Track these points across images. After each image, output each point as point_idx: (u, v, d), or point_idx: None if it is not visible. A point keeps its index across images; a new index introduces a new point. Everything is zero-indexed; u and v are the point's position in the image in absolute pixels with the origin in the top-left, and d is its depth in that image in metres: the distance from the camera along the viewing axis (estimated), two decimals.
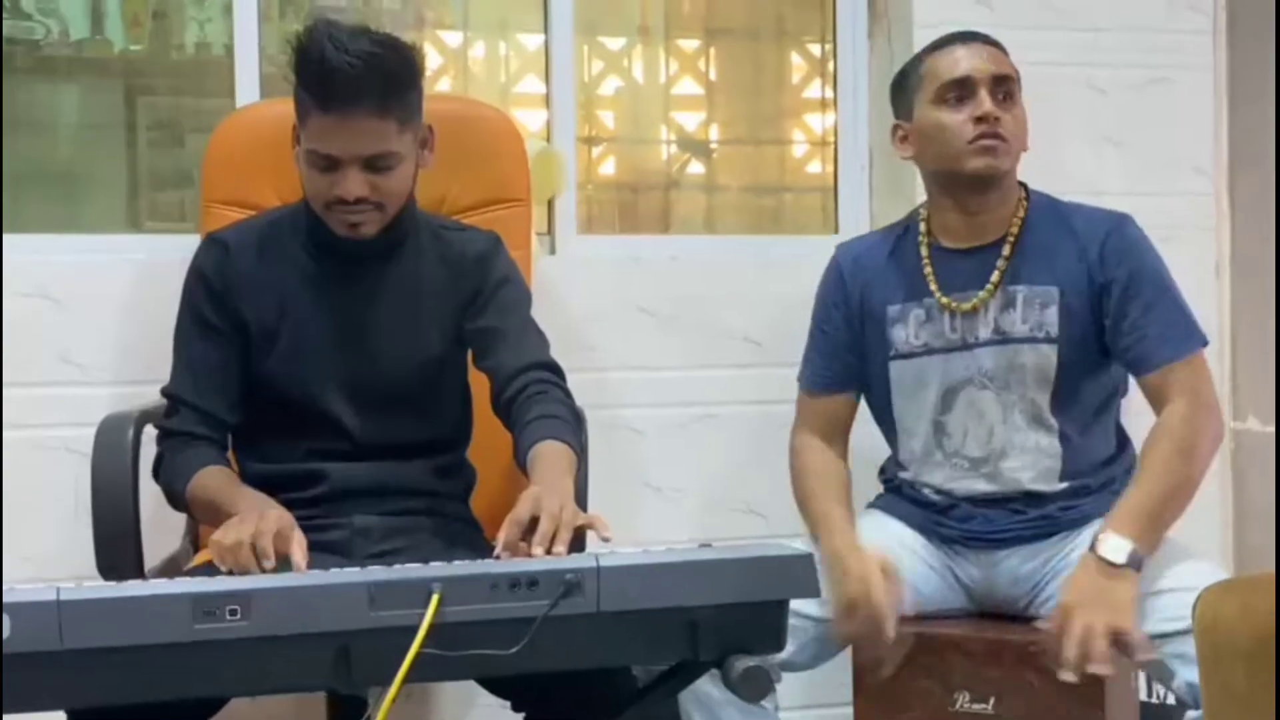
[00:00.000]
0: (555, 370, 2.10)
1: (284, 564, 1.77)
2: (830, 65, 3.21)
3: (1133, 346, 2.22)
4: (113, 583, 1.53)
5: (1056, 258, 2.26)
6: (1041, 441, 2.26)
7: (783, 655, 1.73)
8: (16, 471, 2.53)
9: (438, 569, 1.52)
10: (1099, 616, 2.01)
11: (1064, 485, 2.27)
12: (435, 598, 1.46)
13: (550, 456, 1.91)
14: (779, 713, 2.23)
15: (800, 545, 1.87)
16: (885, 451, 2.46)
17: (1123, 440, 2.37)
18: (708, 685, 2.08)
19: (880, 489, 2.46)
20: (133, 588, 1.48)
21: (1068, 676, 2.01)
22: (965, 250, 2.30)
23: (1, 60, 2.81)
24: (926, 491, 2.34)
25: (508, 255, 2.21)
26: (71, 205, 2.91)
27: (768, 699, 2.16)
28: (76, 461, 2.29)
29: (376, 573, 1.52)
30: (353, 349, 2.11)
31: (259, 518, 1.82)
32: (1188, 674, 2.00)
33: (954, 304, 2.28)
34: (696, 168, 3.56)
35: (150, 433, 2.15)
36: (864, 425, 2.45)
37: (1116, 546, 2.05)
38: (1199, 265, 3.03)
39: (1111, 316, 2.23)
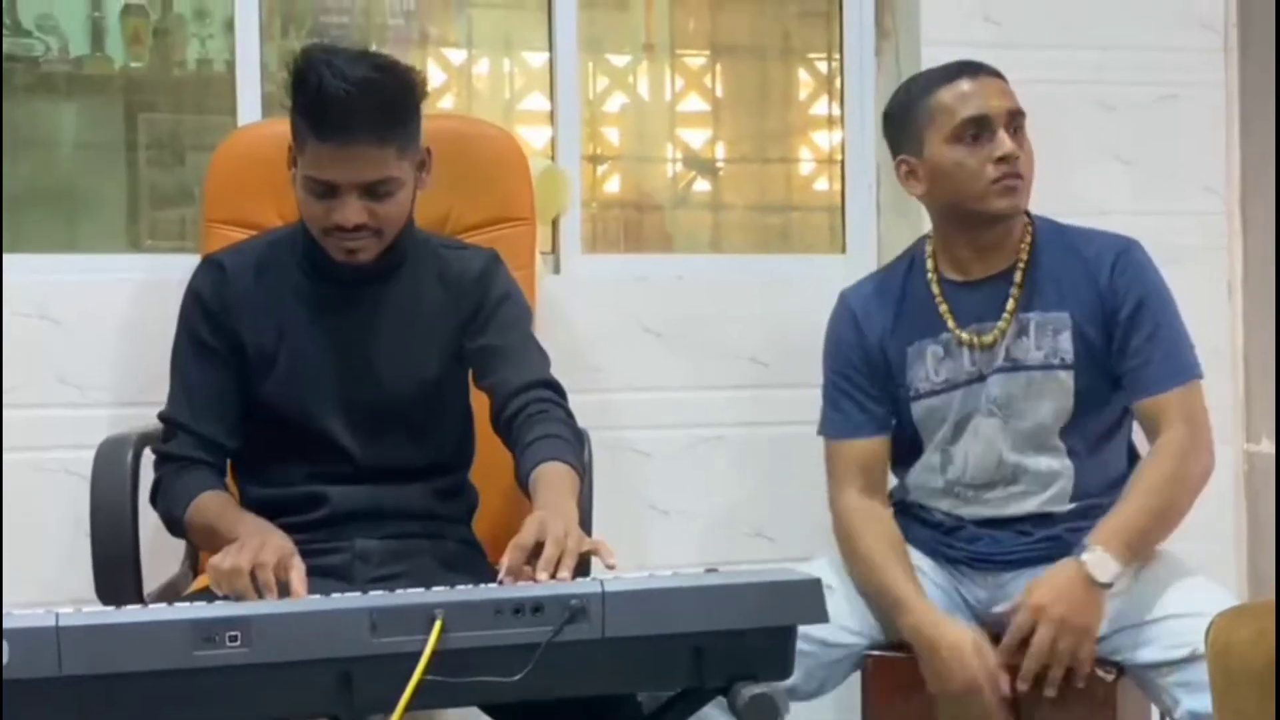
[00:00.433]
0: (556, 389, 2.10)
1: (282, 591, 1.77)
2: (837, 82, 3.21)
3: (1132, 372, 2.23)
4: (112, 608, 1.53)
5: (1066, 283, 2.27)
6: (1053, 465, 2.26)
7: (790, 682, 1.73)
8: (15, 494, 2.53)
9: (440, 594, 1.53)
10: (1066, 637, 2.04)
11: (1073, 505, 2.26)
12: (438, 623, 1.46)
13: (553, 479, 1.91)
14: None
15: (808, 569, 1.86)
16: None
17: (1134, 461, 2.36)
18: (714, 713, 2.07)
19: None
20: (132, 613, 1.49)
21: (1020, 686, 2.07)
22: (977, 282, 2.30)
23: (1, 78, 2.82)
24: (934, 513, 2.34)
25: (507, 272, 2.21)
26: (71, 224, 2.92)
27: None
28: (75, 484, 2.29)
29: (378, 598, 1.52)
30: (352, 371, 2.11)
31: (259, 546, 1.82)
32: (1192, 702, 2.00)
33: (973, 338, 2.28)
34: (702, 186, 3.57)
35: (150, 456, 2.15)
36: None
37: (1106, 565, 2.07)
38: (1210, 285, 3.03)
39: (1117, 342, 2.24)
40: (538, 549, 1.69)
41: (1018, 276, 2.28)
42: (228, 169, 2.49)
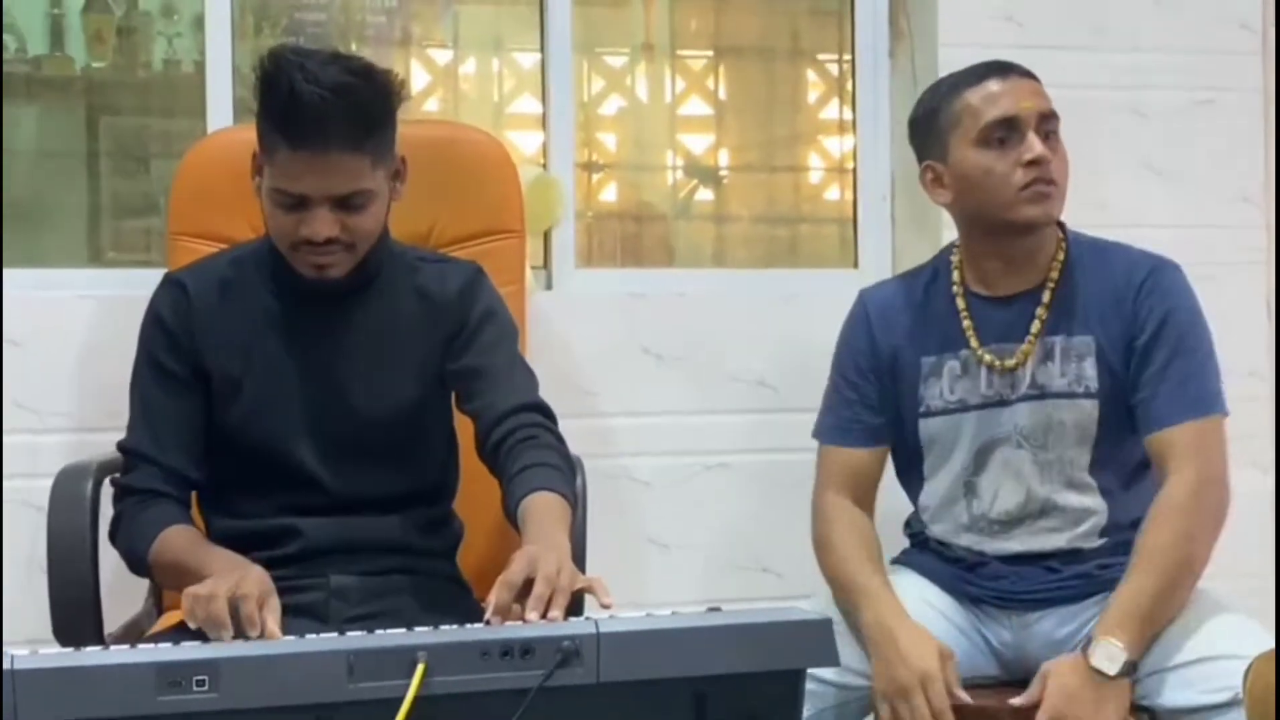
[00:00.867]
0: (546, 412, 2.11)
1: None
2: (849, 85, 3.22)
3: (1143, 402, 2.23)
4: (70, 649, 1.53)
5: (1093, 306, 2.27)
6: (1085, 501, 2.26)
7: None
8: None
9: (423, 635, 1.52)
10: None
11: (1103, 541, 2.27)
12: (420, 667, 1.46)
13: (544, 510, 1.91)
14: None
15: (816, 607, 1.87)
16: (909, 503, 2.45)
17: None
18: None
19: (905, 543, 2.46)
20: (92, 655, 1.48)
21: None
22: (1003, 299, 2.31)
23: None
24: (955, 549, 2.34)
25: (491, 287, 2.22)
26: (28, 236, 2.92)
27: None
28: (31, 516, 2.30)
29: (356, 639, 1.52)
30: (324, 396, 2.12)
31: (239, 578, 1.82)
32: None
33: (995, 360, 2.28)
34: (705, 195, 3.58)
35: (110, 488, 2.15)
36: (887, 474, 2.44)
37: (1111, 656, 2.06)
38: (1248, 302, 3.04)
39: (1134, 368, 2.24)
40: (527, 586, 1.69)
41: (1046, 296, 2.28)
42: (196, 177, 2.50)
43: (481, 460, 2.10)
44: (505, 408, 2.08)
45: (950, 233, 2.42)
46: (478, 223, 2.48)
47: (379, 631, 1.56)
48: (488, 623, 1.67)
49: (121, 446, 2.13)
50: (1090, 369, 2.25)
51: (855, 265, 3.15)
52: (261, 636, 1.75)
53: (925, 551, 2.38)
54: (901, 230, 3.12)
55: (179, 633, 1.80)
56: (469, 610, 2.03)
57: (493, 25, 3.43)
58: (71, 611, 2.05)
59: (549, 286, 2.96)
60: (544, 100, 3.04)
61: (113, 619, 2.16)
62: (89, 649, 1.53)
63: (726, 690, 1.54)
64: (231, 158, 2.42)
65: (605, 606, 1.69)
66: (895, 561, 2.43)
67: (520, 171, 2.56)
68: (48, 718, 1.40)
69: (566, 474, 2.02)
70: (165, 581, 2.14)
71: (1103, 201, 2.91)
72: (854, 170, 3.19)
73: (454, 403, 2.19)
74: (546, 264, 2.97)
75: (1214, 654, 2.07)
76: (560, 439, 2.08)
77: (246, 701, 1.44)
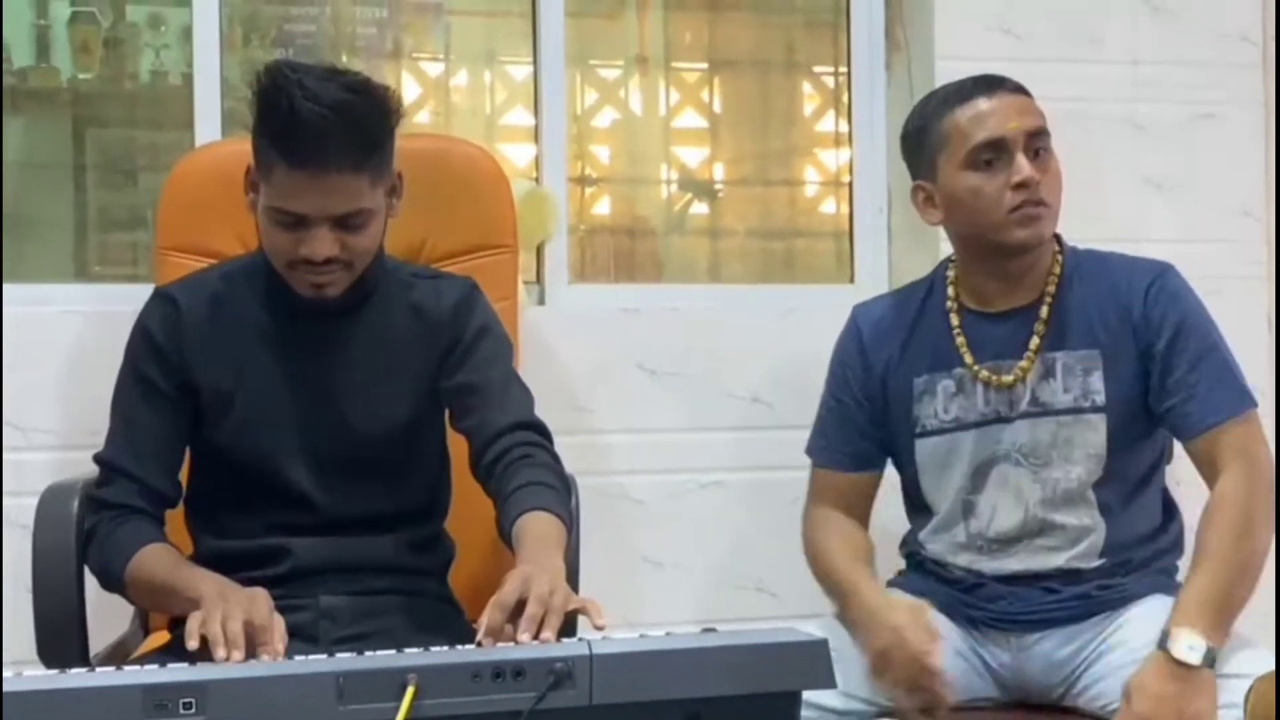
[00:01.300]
0: (541, 430, 2.11)
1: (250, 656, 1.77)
2: (845, 97, 3.23)
3: (1177, 407, 2.22)
4: (55, 671, 1.52)
5: (1096, 318, 2.27)
6: (1084, 521, 2.26)
7: None
8: None
9: (413, 657, 1.52)
10: None
11: (1103, 561, 2.26)
12: (410, 689, 1.46)
13: (538, 530, 1.91)
14: None
15: (814, 629, 1.86)
16: (906, 522, 2.46)
17: (1170, 510, 2.36)
18: None
19: (901, 564, 2.46)
20: (77, 677, 1.48)
21: None
22: (1000, 314, 2.31)
23: None
24: (952, 569, 2.34)
25: (486, 302, 2.22)
26: (13, 250, 2.92)
27: None
28: (17, 535, 2.29)
29: (345, 661, 1.52)
30: (315, 414, 2.11)
31: (249, 599, 1.83)
32: None
33: (991, 377, 2.28)
34: (699, 209, 3.58)
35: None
36: (882, 493, 2.45)
37: (1191, 644, 2.02)
38: (1249, 316, 3.04)
39: (1156, 376, 2.24)
40: (520, 607, 1.69)
41: (1043, 312, 2.28)
42: (184, 191, 2.50)
43: (475, 478, 2.10)
44: (500, 426, 2.08)
45: (948, 246, 2.42)
46: (470, 237, 2.48)
47: (369, 653, 1.57)
48: (479, 644, 1.67)
49: (99, 459, 2.12)
50: (1097, 382, 2.25)
51: (851, 280, 3.16)
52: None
53: (921, 572, 2.38)
54: (898, 244, 3.12)
55: (166, 654, 1.80)
56: (460, 631, 2.03)
57: (485, 37, 3.43)
58: (57, 632, 2.05)
59: (541, 302, 2.96)
60: (536, 113, 3.04)
61: (98, 640, 2.16)
62: (74, 671, 1.53)
63: (721, 712, 1.54)
64: (220, 171, 2.42)
65: (599, 628, 1.69)
66: (891, 584, 2.42)
67: (512, 185, 2.56)
68: None
69: (562, 494, 2.02)
70: (140, 599, 2.12)
71: (1102, 215, 2.92)
72: (850, 183, 3.20)
73: (448, 420, 2.19)
74: (539, 279, 2.97)
75: (1217, 673, 2.06)
76: (556, 458, 2.09)
77: None
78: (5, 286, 2.74)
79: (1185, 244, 2.89)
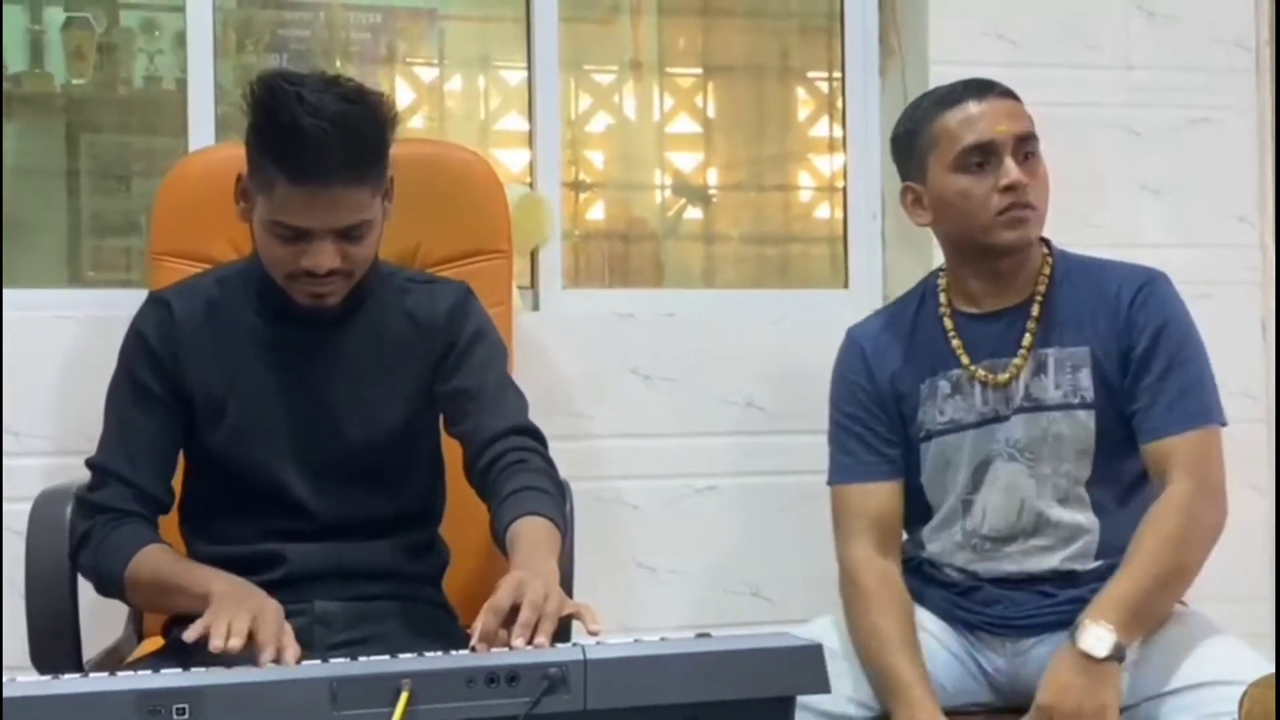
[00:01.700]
0: (536, 435, 2.11)
1: (243, 658, 1.77)
2: (839, 103, 3.24)
3: (1141, 411, 2.24)
4: (47, 677, 1.52)
5: (1086, 317, 2.28)
6: (1077, 518, 2.27)
7: None
8: None
9: (407, 662, 1.53)
10: None
11: (1099, 564, 2.27)
12: (404, 695, 1.46)
13: (533, 535, 1.91)
14: None
15: (808, 633, 1.86)
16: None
17: None
18: None
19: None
20: (70, 683, 1.48)
21: None
22: (992, 314, 2.32)
23: None
24: (949, 571, 2.34)
25: (480, 307, 2.22)
26: (7, 255, 2.92)
27: None
28: (10, 540, 2.29)
29: (339, 666, 1.52)
30: (310, 419, 2.11)
31: (261, 603, 1.84)
32: None
33: (988, 376, 2.29)
34: (694, 214, 3.59)
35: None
36: None
37: (1098, 637, 2.05)
38: (1244, 322, 3.05)
39: (1130, 378, 2.25)
40: (514, 612, 1.69)
41: (1035, 310, 2.29)
42: (178, 196, 2.50)
43: (470, 483, 2.10)
44: (495, 430, 2.08)
45: (941, 252, 2.43)
46: (464, 243, 2.48)
47: (363, 658, 1.57)
48: (473, 649, 1.66)
49: (91, 463, 2.11)
50: (1086, 379, 2.26)
51: (845, 284, 3.16)
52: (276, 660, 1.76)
53: (918, 576, 2.38)
54: (892, 249, 3.13)
55: (159, 660, 1.80)
56: (454, 636, 2.03)
57: (479, 42, 3.44)
58: (50, 638, 2.05)
59: (536, 307, 2.96)
60: (530, 118, 3.05)
61: (92, 646, 2.15)
62: (68, 676, 1.52)
63: (716, 717, 1.54)
64: (214, 176, 2.41)
65: (593, 633, 1.69)
66: None
67: (507, 190, 2.56)
68: None
69: (556, 499, 2.02)
70: (142, 599, 2.11)
71: (1097, 221, 2.92)
72: (844, 189, 3.20)
73: (442, 425, 2.19)
74: (534, 284, 2.97)
75: (1210, 679, 2.07)
76: (550, 463, 2.08)
77: None
78: None
79: (1180, 249, 2.90)
